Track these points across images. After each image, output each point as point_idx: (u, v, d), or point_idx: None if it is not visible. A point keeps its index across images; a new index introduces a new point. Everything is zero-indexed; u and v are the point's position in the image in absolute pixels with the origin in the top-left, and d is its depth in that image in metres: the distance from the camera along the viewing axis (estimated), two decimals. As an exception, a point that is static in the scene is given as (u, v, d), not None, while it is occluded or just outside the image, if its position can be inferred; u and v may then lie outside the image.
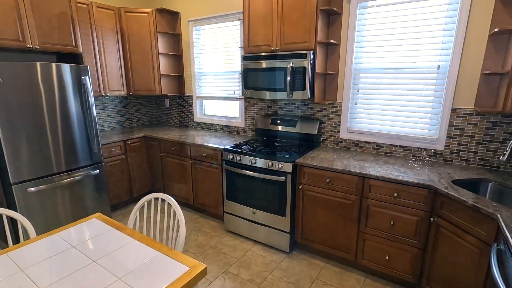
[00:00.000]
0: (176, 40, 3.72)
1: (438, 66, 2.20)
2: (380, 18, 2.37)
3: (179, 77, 3.85)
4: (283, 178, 2.38)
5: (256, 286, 2.16)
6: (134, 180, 3.47)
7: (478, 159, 2.18)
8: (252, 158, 2.55)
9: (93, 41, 3.11)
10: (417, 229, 1.95)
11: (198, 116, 3.85)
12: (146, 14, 3.37)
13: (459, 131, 2.21)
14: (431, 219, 1.87)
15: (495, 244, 1.38)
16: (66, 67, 2.51)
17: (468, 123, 2.17)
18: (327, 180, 2.24)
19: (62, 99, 2.52)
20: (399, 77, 2.38)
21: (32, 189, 2.40)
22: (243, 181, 2.66)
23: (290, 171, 2.36)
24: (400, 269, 2.08)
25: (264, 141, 2.99)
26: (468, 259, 1.62)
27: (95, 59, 3.16)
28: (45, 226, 2.54)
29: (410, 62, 2.31)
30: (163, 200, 3.16)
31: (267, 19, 2.55)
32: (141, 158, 3.52)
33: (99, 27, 3.14)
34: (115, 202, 3.31)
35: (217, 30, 3.36)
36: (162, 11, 3.46)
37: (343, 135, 2.74)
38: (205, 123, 3.79)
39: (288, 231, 2.49)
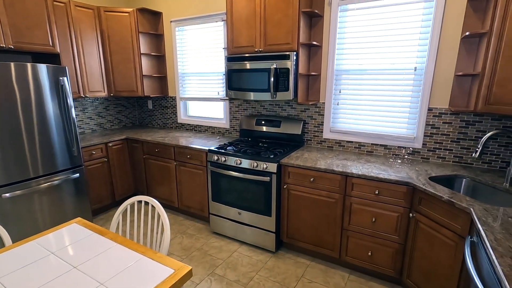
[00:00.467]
0: (158, 40, 3.66)
1: (415, 68, 2.29)
2: (360, 21, 2.44)
3: (162, 78, 3.79)
4: (268, 178, 2.40)
5: (242, 287, 2.16)
6: (117, 184, 3.38)
7: (453, 156, 2.28)
8: (237, 158, 2.55)
9: (72, 41, 3.01)
10: (398, 225, 2.02)
11: (182, 118, 3.80)
12: (127, 14, 3.30)
13: (435, 130, 2.31)
14: (410, 214, 1.94)
15: (469, 237, 1.45)
16: (42, 68, 2.42)
17: (443, 122, 2.27)
18: (311, 180, 2.28)
19: (38, 101, 2.42)
20: (378, 78, 2.46)
21: (7, 195, 2.30)
22: (228, 182, 2.66)
23: (275, 171, 2.38)
24: (382, 264, 2.14)
25: (249, 141, 3.00)
26: (445, 252, 1.70)
27: (74, 59, 3.06)
28: (22, 234, 2.43)
29: (388, 64, 2.39)
30: (146, 203, 3.10)
31: (250, 20, 2.56)
32: (124, 160, 3.44)
33: (77, 26, 3.04)
34: (97, 206, 3.22)
35: (201, 31, 3.34)
36: (143, 11, 3.40)
37: (326, 135, 2.79)
38: (189, 124, 3.75)
39: (274, 230, 2.51)
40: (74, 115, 2.68)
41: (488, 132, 1.82)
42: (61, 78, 2.55)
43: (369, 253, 2.16)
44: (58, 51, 2.71)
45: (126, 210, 3.26)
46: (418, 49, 2.26)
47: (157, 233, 2.86)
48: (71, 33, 3.00)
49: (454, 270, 1.64)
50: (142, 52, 3.44)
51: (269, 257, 2.52)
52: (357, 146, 2.66)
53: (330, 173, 2.19)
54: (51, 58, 2.80)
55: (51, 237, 1.45)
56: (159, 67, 3.74)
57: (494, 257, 1.07)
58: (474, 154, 1.88)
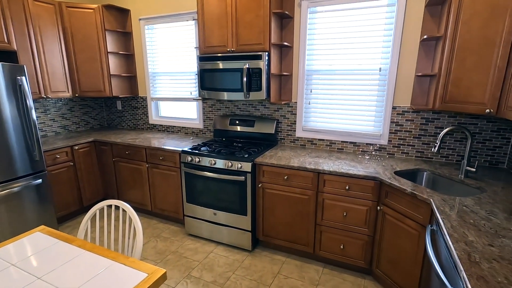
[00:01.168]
0: (127, 38, 3.53)
1: (380, 69, 2.42)
2: (329, 23, 2.53)
3: (131, 78, 3.66)
4: (243, 177, 2.41)
5: (219, 287, 2.15)
6: (84, 188, 3.22)
7: (416, 151, 2.44)
8: (212, 159, 2.54)
9: (30, 38, 2.82)
10: (367, 218, 2.12)
11: (153, 118, 3.70)
12: (91, 10, 3.15)
13: (399, 127, 2.45)
14: (378, 207, 2.05)
15: (429, 226, 1.57)
16: (-3, 66, 2.24)
17: (406, 120, 2.42)
18: (285, 178, 2.32)
19: (-7, 102, 2.24)
20: (347, 78, 2.56)
21: (-42, 205, 2.10)
22: (203, 182, 2.64)
23: (250, 171, 2.40)
24: (354, 256, 2.24)
25: (223, 142, 3.00)
26: (409, 241, 1.82)
27: (33, 57, 2.86)
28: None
29: (356, 65, 2.50)
30: (117, 207, 2.99)
31: (222, 20, 2.56)
32: (91, 164, 3.28)
33: (36, 22, 2.85)
34: (63, 213, 3.04)
35: (171, 30, 3.27)
36: (109, 8, 3.26)
37: (299, 133, 2.86)
38: (161, 125, 3.66)
39: (250, 229, 2.53)
40: (34, 117, 2.51)
41: (445, 128, 1.97)
42: (18, 77, 2.38)
43: (341, 246, 2.25)
44: (15, 48, 2.52)
45: (95, 215, 3.11)
46: (382, 51, 2.39)
47: (129, 238, 2.76)
48: (30, 29, 2.81)
49: (417, 257, 1.76)
50: (109, 50, 3.29)
51: (246, 256, 2.53)
52: (328, 144, 2.76)
53: (303, 170, 2.25)
54: (8, 56, 2.60)
55: (11, 247, 1.36)
56: (128, 66, 3.61)
57: (450, 243, 1.17)
58: (433, 149, 2.03)
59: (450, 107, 1.93)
